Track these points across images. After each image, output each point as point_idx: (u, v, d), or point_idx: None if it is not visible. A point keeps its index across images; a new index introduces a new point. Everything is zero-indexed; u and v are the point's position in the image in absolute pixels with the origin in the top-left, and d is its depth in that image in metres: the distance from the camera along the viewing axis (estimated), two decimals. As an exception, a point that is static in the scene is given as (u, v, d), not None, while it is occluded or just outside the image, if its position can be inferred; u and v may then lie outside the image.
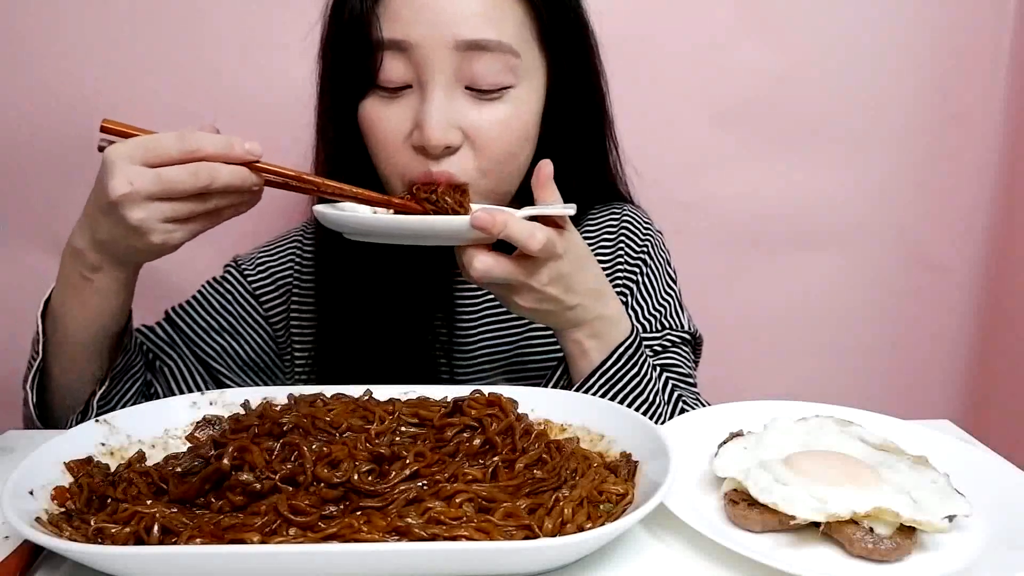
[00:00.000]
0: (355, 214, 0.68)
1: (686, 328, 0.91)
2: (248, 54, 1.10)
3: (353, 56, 0.75)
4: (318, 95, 0.84)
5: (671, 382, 0.80)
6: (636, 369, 0.74)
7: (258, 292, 0.93)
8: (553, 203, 0.68)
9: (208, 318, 0.91)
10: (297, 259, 0.95)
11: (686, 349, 0.90)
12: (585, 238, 0.90)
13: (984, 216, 1.24)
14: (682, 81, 1.16)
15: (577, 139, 0.85)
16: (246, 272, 0.94)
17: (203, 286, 0.93)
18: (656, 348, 0.87)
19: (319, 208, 0.68)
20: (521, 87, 0.77)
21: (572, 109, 0.83)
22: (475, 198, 0.77)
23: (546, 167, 0.67)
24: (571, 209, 0.67)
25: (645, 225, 0.94)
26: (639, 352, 0.75)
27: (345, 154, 0.82)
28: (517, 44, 0.75)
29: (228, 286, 0.93)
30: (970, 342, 1.30)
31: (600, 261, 0.87)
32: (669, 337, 0.88)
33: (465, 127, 0.75)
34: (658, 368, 0.79)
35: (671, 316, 0.90)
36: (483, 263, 0.65)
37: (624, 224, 0.93)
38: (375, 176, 0.81)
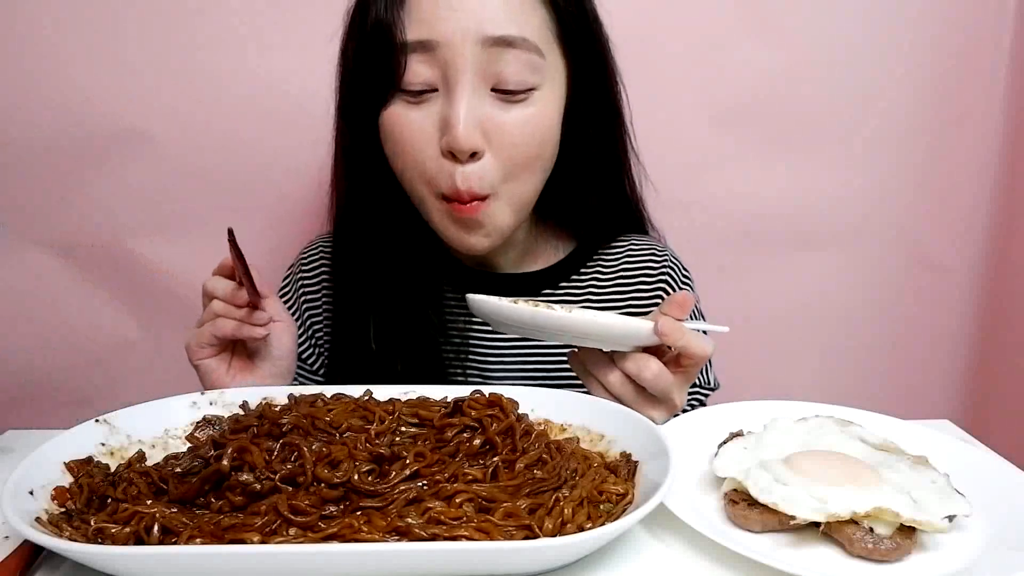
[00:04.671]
0: (521, 308, 0.65)
1: (711, 384, 0.91)
2: (248, 56, 1.10)
3: (376, 60, 0.74)
4: (337, 103, 0.82)
5: None
6: None
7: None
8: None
9: None
10: (307, 277, 0.94)
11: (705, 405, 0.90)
12: (624, 272, 0.90)
13: (984, 216, 1.24)
14: (682, 81, 1.16)
15: (596, 146, 0.84)
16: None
17: None
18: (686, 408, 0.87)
19: (474, 297, 0.68)
20: (545, 88, 0.75)
21: (591, 113, 0.82)
22: (497, 205, 0.76)
23: (688, 300, 0.68)
24: (725, 328, 0.69)
25: (684, 273, 0.93)
26: None
27: (365, 162, 0.81)
28: (541, 44, 0.74)
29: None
30: (970, 342, 1.29)
31: (637, 298, 0.88)
32: (699, 396, 0.89)
33: (490, 129, 0.73)
34: None
35: (703, 372, 0.90)
36: (656, 369, 0.66)
37: (664, 269, 0.91)
38: (392, 185, 0.80)
